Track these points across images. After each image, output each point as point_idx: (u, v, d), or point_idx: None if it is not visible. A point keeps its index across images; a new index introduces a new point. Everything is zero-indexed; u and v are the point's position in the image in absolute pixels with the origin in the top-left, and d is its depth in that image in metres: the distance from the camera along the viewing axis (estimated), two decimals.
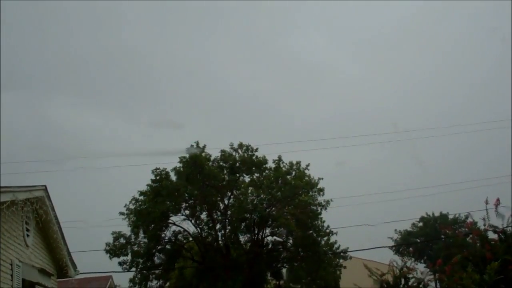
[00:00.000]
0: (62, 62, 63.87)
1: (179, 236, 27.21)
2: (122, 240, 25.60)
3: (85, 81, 64.25)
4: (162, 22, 66.68)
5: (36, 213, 12.22)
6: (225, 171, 26.71)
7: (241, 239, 26.94)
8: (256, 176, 26.65)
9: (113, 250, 25.20)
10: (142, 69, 65.79)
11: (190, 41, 66.07)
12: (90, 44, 65.60)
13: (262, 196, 25.08)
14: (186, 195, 25.59)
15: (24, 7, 57.23)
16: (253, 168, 26.66)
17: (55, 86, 65.36)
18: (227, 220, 26.12)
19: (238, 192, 26.09)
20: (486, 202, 14.19)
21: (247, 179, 27.06)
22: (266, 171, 26.81)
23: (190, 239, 27.52)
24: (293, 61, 68.71)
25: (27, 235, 11.88)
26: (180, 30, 69.20)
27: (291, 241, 26.67)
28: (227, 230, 25.99)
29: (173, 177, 26.07)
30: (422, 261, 39.90)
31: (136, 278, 26.04)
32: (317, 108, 67.23)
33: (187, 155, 25.84)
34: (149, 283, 26.54)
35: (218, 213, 26.89)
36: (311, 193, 25.78)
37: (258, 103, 67.65)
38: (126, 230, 25.76)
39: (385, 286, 17.71)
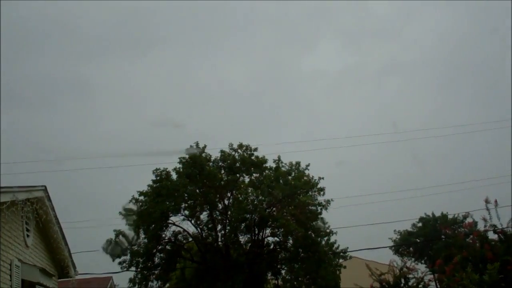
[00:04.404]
0: (61, 61, 63.85)
1: (179, 237, 27.21)
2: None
3: (84, 81, 64.17)
4: (160, 21, 66.75)
5: (36, 213, 12.22)
6: (223, 171, 26.69)
7: (241, 240, 26.92)
8: (256, 176, 26.64)
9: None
10: (142, 68, 65.77)
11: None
12: (88, 43, 65.56)
13: (261, 196, 25.06)
14: (186, 195, 25.59)
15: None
16: (253, 168, 26.66)
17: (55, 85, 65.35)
18: (227, 220, 26.11)
19: (237, 192, 26.09)
20: (486, 201, 14.20)
21: (246, 179, 27.07)
22: (266, 171, 26.81)
23: (190, 239, 27.51)
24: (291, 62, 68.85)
25: (27, 235, 11.88)
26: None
27: (291, 241, 26.66)
28: (227, 231, 25.97)
29: (173, 177, 26.07)
30: (422, 261, 39.90)
31: (136, 278, 26.03)
32: (317, 107, 67.37)
33: (187, 156, 25.85)
34: (149, 283, 26.50)
35: (218, 213, 26.89)
36: (310, 193, 25.77)
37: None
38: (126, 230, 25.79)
39: (385, 286, 17.76)
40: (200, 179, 25.68)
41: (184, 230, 26.97)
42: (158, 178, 25.74)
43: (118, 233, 25.55)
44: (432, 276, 21.94)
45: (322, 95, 70.02)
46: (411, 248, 42.29)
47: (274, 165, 26.97)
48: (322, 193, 25.91)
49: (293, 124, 64.84)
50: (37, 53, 64.85)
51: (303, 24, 67.88)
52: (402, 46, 69.72)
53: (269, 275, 27.77)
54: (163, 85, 67.64)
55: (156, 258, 26.45)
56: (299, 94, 67.89)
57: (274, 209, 25.53)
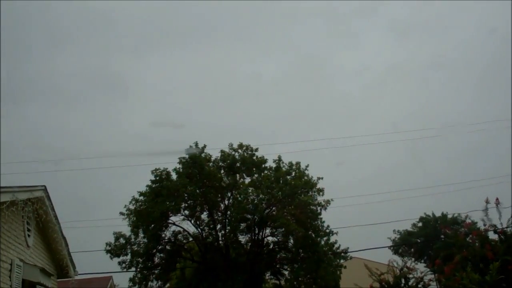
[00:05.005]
0: (60, 62, 63.88)
1: (179, 236, 27.22)
2: (122, 240, 25.62)
3: (83, 80, 64.23)
4: (160, 21, 66.75)
5: (36, 213, 12.23)
6: (223, 171, 26.70)
7: (241, 239, 26.95)
8: (256, 176, 26.64)
9: (114, 250, 25.23)
10: (141, 68, 65.77)
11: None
12: (87, 43, 65.63)
13: (261, 196, 25.07)
14: (186, 195, 25.59)
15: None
16: (253, 169, 26.67)
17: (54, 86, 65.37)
18: (227, 220, 26.12)
19: (237, 192, 26.09)
20: (487, 202, 14.22)
21: (247, 179, 27.05)
22: (266, 171, 26.82)
23: (190, 239, 27.52)
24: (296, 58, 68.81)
25: (28, 235, 11.88)
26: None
27: (291, 241, 26.66)
28: (227, 230, 25.98)
29: (173, 177, 26.08)
30: (422, 261, 39.95)
31: (136, 278, 26.05)
32: (317, 107, 67.42)
33: (187, 156, 25.86)
34: (149, 283, 26.51)
35: (218, 213, 26.89)
36: (310, 193, 25.77)
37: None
38: (126, 230, 25.84)
39: (385, 286, 17.76)
40: (200, 179, 25.69)
41: (184, 230, 27.02)
42: (157, 178, 25.76)
43: (119, 235, 25.60)
44: (432, 276, 21.94)
45: (362, 91, 69.73)
46: (412, 249, 42.33)
47: (274, 165, 26.99)
48: (321, 193, 25.93)
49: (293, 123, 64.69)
50: (36, 51, 64.90)
51: (349, 19, 67.37)
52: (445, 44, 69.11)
53: (268, 274, 27.80)
54: (177, 84, 67.42)
55: (156, 258, 26.49)
56: (338, 90, 67.71)
57: (274, 209, 25.54)
